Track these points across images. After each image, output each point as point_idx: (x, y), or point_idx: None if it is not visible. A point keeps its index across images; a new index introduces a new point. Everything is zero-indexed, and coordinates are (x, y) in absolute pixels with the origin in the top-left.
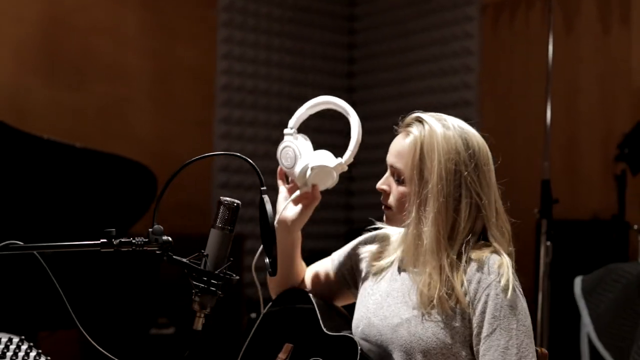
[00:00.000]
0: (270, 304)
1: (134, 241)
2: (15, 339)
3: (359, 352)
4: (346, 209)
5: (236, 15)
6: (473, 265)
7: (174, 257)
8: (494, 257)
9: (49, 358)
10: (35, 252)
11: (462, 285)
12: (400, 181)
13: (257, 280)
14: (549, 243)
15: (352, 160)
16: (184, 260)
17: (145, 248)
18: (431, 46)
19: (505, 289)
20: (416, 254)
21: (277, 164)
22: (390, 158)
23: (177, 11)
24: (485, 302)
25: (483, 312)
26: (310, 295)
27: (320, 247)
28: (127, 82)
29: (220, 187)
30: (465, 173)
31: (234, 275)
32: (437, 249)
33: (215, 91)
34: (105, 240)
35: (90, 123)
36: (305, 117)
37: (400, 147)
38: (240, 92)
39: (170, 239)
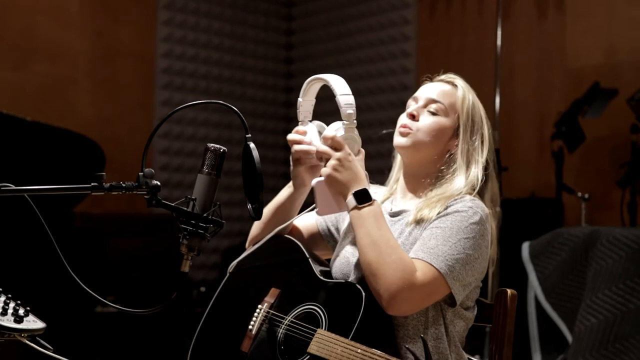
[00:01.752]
0: (251, 249)
1: (124, 185)
2: None
3: (363, 300)
4: (285, 164)
5: None
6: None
7: (162, 200)
8: (478, 201)
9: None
10: (25, 195)
11: None
12: (435, 114)
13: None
14: (498, 209)
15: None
16: (173, 204)
17: (135, 192)
18: (369, 32)
19: (470, 214)
20: (432, 190)
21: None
22: (433, 94)
23: None
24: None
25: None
26: (299, 243)
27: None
28: (68, 62)
29: (161, 169)
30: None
31: (222, 220)
32: (458, 193)
33: (155, 74)
34: (95, 183)
35: (31, 102)
36: (308, 106)
37: (447, 90)
38: (180, 75)
39: (159, 183)
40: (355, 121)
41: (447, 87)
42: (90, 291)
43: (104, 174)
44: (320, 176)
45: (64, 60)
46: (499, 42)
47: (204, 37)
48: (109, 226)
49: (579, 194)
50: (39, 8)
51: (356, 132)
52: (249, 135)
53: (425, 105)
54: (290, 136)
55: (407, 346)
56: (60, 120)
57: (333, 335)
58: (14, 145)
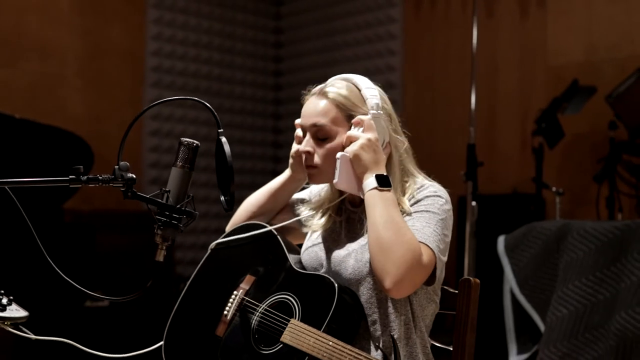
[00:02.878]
0: (224, 234)
1: (100, 177)
2: None
3: (336, 293)
4: (274, 161)
5: None
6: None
7: (137, 193)
8: (434, 182)
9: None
10: (6, 187)
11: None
12: (325, 140)
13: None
14: (474, 203)
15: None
16: (147, 196)
17: (111, 184)
18: (356, 31)
19: (439, 196)
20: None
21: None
22: (312, 118)
23: None
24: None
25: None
26: (274, 230)
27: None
28: (57, 60)
29: (150, 166)
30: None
31: (195, 211)
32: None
33: (145, 72)
34: (73, 176)
35: (20, 100)
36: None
37: (322, 106)
38: (170, 73)
39: (134, 176)
40: (381, 112)
41: (322, 101)
42: (73, 282)
43: (82, 166)
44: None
45: (53, 57)
46: (474, 40)
47: (193, 36)
48: (99, 222)
49: (554, 189)
50: (28, 6)
51: (383, 122)
52: (221, 130)
53: (312, 135)
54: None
55: (376, 344)
56: (50, 117)
57: (306, 326)
58: (2, 142)
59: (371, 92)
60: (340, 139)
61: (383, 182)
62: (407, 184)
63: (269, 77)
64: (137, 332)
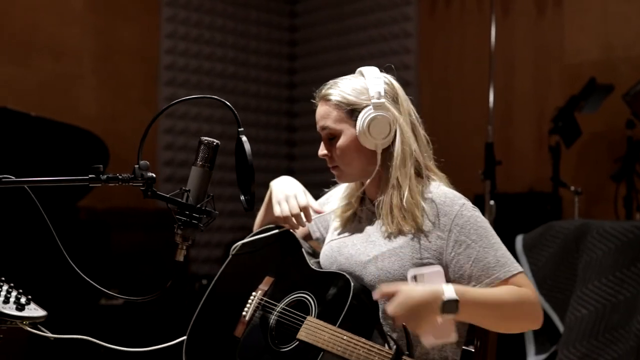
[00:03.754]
0: (253, 235)
1: (120, 177)
2: None
3: (351, 289)
4: (288, 159)
5: None
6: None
7: (157, 192)
8: (445, 189)
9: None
10: (25, 186)
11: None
12: (334, 138)
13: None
14: (492, 202)
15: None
16: (167, 195)
17: (131, 183)
18: (371, 29)
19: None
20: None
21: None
22: (320, 122)
23: None
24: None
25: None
26: (293, 232)
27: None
28: (71, 58)
29: (165, 164)
30: None
31: (215, 210)
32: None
33: (159, 70)
34: (93, 175)
35: (34, 99)
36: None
37: (326, 109)
38: (184, 71)
39: (154, 175)
40: (382, 100)
41: (323, 106)
42: (92, 282)
43: (101, 166)
44: None
45: (66, 56)
46: (493, 39)
47: (208, 34)
48: (114, 220)
49: (572, 188)
50: (42, 5)
51: (389, 110)
52: (242, 128)
53: (324, 138)
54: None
55: (390, 335)
56: (64, 117)
57: (321, 322)
58: (18, 140)
59: (374, 81)
60: (346, 135)
61: (448, 306)
62: (422, 186)
63: (283, 76)
64: (151, 329)
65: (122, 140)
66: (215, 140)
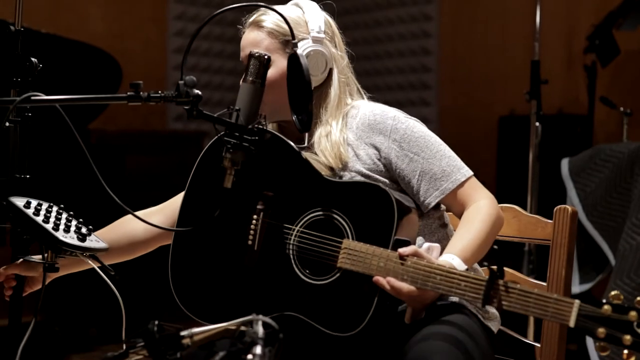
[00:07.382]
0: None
1: (162, 94)
2: (45, 204)
3: (394, 200)
4: None
5: None
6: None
7: (203, 111)
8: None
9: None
10: (57, 105)
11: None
12: None
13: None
14: (537, 124)
15: None
16: (215, 115)
17: (176, 100)
18: (390, 27)
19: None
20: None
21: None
22: (246, 50)
23: None
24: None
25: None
26: (289, 142)
27: None
28: None
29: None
30: None
31: (268, 129)
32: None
33: None
34: (132, 93)
35: (41, 15)
36: None
37: (255, 36)
38: None
39: (200, 93)
40: (322, 34)
41: (254, 32)
42: (128, 208)
43: (141, 82)
44: None
45: None
46: None
47: None
48: (125, 143)
49: (621, 109)
50: None
51: (325, 46)
52: (295, 40)
53: None
54: None
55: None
56: (72, 35)
57: (368, 246)
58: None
59: (315, 15)
60: (277, 66)
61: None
62: (349, 107)
63: None
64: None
65: (130, 58)
66: (266, 52)
